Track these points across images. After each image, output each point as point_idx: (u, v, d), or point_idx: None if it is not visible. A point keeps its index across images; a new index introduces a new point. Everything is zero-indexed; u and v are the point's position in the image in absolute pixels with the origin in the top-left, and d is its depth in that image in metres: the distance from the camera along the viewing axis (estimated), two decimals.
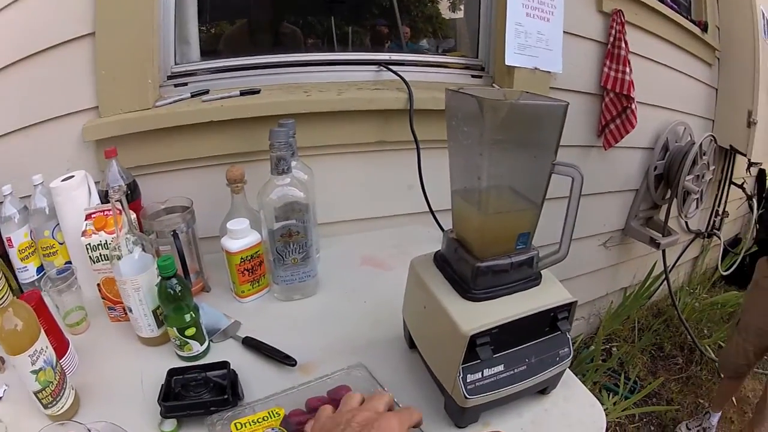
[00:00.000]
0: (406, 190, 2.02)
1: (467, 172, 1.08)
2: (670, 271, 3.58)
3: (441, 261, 1.18)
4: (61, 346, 1.31)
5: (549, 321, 1.10)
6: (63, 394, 1.17)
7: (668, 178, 3.25)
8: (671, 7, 2.95)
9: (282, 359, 1.31)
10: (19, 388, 1.23)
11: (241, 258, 1.53)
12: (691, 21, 3.23)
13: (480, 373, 1.04)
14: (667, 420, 3.23)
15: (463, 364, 1.02)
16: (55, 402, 1.15)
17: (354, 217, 2.10)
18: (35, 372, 1.09)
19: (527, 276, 1.11)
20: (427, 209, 1.96)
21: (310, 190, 1.55)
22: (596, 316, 3.68)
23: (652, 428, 3.19)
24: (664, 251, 3.40)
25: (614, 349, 3.60)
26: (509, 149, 1.00)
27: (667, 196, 3.34)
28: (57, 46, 1.68)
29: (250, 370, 1.29)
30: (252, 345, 1.38)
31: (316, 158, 1.83)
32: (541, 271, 1.14)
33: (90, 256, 1.45)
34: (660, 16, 2.82)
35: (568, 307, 1.11)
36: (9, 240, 1.63)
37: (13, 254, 1.64)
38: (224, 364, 1.24)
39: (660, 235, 3.24)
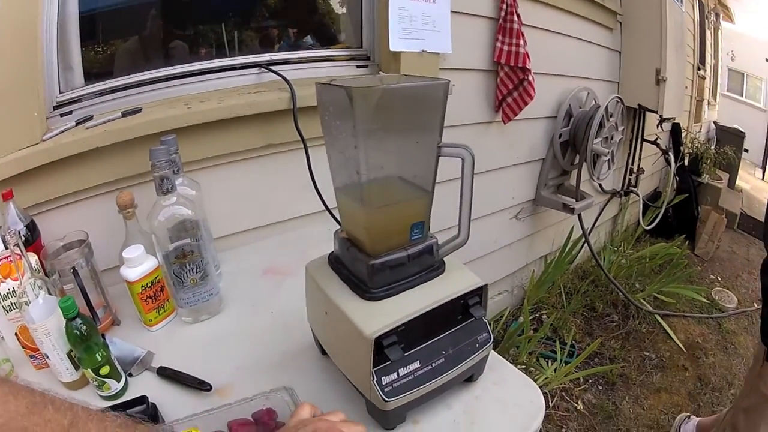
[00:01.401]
0: (301, 191, 1.99)
1: (346, 167, 1.04)
2: (589, 233, 3.65)
3: (335, 262, 1.16)
4: None
5: (461, 309, 1.09)
6: None
7: (575, 144, 3.31)
8: None
9: (197, 385, 1.28)
10: None
11: (142, 286, 1.48)
12: None
13: (395, 374, 1.02)
14: (614, 377, 3.28)
15: (374, 367, 0.99)
16: None
17: (251, 226, 2.06)
18: None
19: (428, 266, 1.09)
20: (324, 208, 1.95)
21: (199, 206, 1.52)
22: (519, 287, 3.74)
23: (600, 387, 3.23)
24: (580, 215, 3.46)
25: (544, 317, 3.65)
26: (387, 137, 0.97)
27: (576, 161, 3.39)
28: None
29: (168, 400, 1.25)
30: (166, 374, 1.33)
31: (203, 171, 1.81)
32: (445, 258, 1.12)
33: (3, 306, 1.40)
34: None
35: (479, 292, 1.09)
36: None
37: None
38: (142, 399, 1.21)
39: (573, 200, 3.30)
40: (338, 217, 1.87)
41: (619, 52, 3.86)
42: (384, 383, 1.00)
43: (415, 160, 1.03)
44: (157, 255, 1.48)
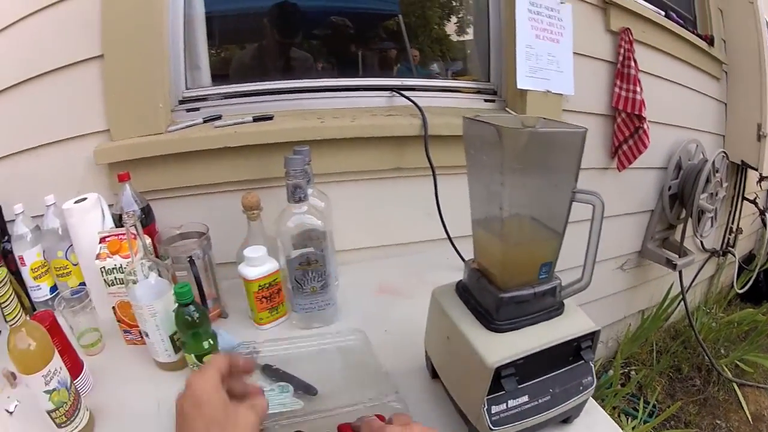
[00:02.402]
0: (423, 217, 2.00)
1: (488, 201, 1.06)
2: (686, 291, 3.55)
3: (463, 291, 1.16)
4: (75, 366, 1.31)
5: (573, 350, 1.08)
6: (77, 414, 1.17)
7: (683, 198, 3.22)
8: (677, 23, 2.94)
9: (302, 388, 1.28)
10: (30, 404, 1.24)
11: (259, 285, 1.52)
12: (698, 35, 3.23)
13: (504, 404, 1.02)
14: None
15: (488, 395, 1.00)
16: (69, 422, 1.16)
17: (371, 245, 2.09)
18: (48, 392, 1.10)
19: (550, 306, 1.09)
20: (445, 236, 1.94)
21: (327, 217, 1.54)
22: (614, 339, 3.65)
23: None
24: (680, 272, 3.36)
25: (633, 372, 3.56)
26: (530, 177, 0.98)
27: (682, 215, 3.31)
28: (65, 68, 1.70)
29: (270, 399, 1.25)
30: (271, 373, 1.34)
31: (331, 185, 1.82)
32: (564, 301, 1.12)
33: (105, 280, 1.45)
34: (667, 32, 2.81)
35: (591, 336, 1.09)
36: (21, 258, 1.64)
37: (26, 273, 1.66)
38: None
39: (676, 256, 3.22)
40: (458, 248, 1.89)
41: (725, 104, 3.73)
42: (493, 412, 1.01)
43: (551, 202, 1.04)
44: (280, 259, 1.51)
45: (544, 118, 1.08)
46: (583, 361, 1.10)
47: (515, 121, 1.10)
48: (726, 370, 3.65)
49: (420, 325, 1.30)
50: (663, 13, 2.87)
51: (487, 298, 1.07)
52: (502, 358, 0.98)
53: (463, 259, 1.87)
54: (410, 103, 2.01)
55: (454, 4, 2.57)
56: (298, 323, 1.60)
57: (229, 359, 0.89)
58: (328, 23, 2.35)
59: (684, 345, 3.87)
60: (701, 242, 3.71)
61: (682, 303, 3.54)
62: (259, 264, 1.51)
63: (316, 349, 1.47)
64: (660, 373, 3.61)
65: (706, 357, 3.58)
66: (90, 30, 1.67)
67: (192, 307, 1.27)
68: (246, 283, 1.52)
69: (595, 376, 1.13)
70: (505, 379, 0.99)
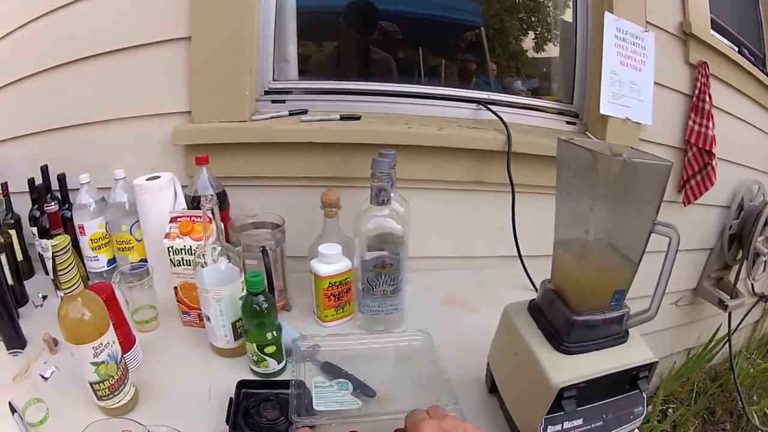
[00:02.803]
0: (495, 233, 2.02)
1: (574, 224, 1.09)
2: (732, 333, 3.51)
3: (535, 310, 1.19)
4: (127, 341, 1.34)
5: (630, 379, 1.11)
6: (122, 389, 1.19)
7: (741, 239, 3.19)
8: (749, 60, 2.90)
9: (361, 388, 1.29)
10: (67, 372, 1.26)
11: (330, 283, 1.54)
12: (766, 74, 3.18)
13: (560, 425, 1.05)
14: None
15: (546, 414, 1.03)
16: (112, 395, 1.17)
17: (441, 255, 2.10)
18: (96, 364, 1.11)
19: (616, 333, 1.11)
20: (515, 254, 1.94)
21: (406, 223, 1.56)
22: (658, 375, 3.60)
23: None
24: (730, 313, 3.31)
25: (670, 410, 3.53)
26: (617, 205, 1.01)
27: (739, 256, 3.27)
28: (153, 45, 1.75)
29: (324, 395, 1.26)
30: (330, 371, 1.34)
31: (411, 191, 1.83)
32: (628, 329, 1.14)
33: (171, 259, 1.49)
34: (740, 69, 2.77)
35: (650, 367, 1.11)
36: (81, 228, 1.68)
37: (85, 243, 1.70)
38: (300, 384, 1.24)
39: (728, 297, 3.17)
40: (527, 267, 1.90)
41: None
42: (549, 431, 1.04)
43: (632, 232, 1.05)
44: (354, 259, 1.53)
45: (632, 148, 1.10)
46: (638, 390, 1.12)
47: (605, 148, 1.12)
48: (755, 416, 3.60)
49: (482, 338, 1.32)
50: (736, 49, 2.85)
51: (559, 319, 1.09)
52: (567, 379, 1.01)
53: (530, 279, 1.90)
54: (495, 117, 2.02)
55: (533, 19, 2.58)
56: (363, 324, 1.62)
57: None
58: (412, 28, 2.37)
59: (721, 388, 3.82)
60: (752, 285, 3.66)
61: (726, 345, 3.50)
62: (333, 262, 1.53)
63: (377, 349, 1.47)
64: (695, 413, 3.57)
65: (740, 402, 3.54)
66: (180, 10, 1.71)
67: (261, 297, 1.30)
68: (317, 279, 1.54)
69: (645, 407, 1.15)
70: (566, 400, 1.02)
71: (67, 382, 1.26)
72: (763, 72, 3.09)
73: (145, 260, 1.69)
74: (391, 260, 1.48)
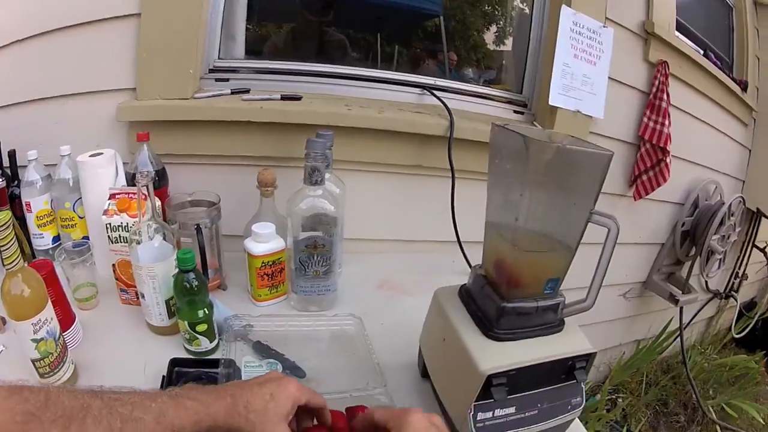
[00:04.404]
0: (435, 217, 2.00)
1: (505, 209, 1.07)
2: (684, 328, 3.54)
3: (466, 295, 1.17)
4: (66, 318, 1.32)
5: (566, 369, 1.08)
6: (62, 366, 1.18)
7: (694, 236, 3.21)
8: (714, 63, 2.93)
9: (290, 369, 1.29)
10: (17, 350, 1.22)
11: (263, 262, 1.52)
12: (732, 79, 3.21)
13: (491, 413, 1.03)
14: None
15: (476, 401, 1.00)
16: (52, 373, 1.16)
17: (379, 237, 2.09)
18: (36, 341, 1.10)
19: (550, 321, 1.09)
20: (455, 239, 1.94)
21: (341, 204, 1.55)
22: (606, 365, 3.65)
23: None
24: (681, 308, 3.36)
25: (620, 400, 3.56)
26: (550, 192, 1.00)
27: (692, 253, 3.30)
28: (102, 21, 1.70)
29: (254, 375, 1.24)
30: (261, 350, 1.35)
31: (349, 173, 1.82)
32: (564, 318, 1.12)
33: (109, 236, 1.46)
34: (703, 71, 2.80)
35: (587, 358, 1.09)
36: (28, 205, 1.65)
37: (31, 220, 1.67)
38: (230, 363, 1.23)
39: (680, 292, 3.20)
40: (466, 253, 1.90)
41: (750, 150, 3.72)
42: (479, 419, 1.01)
43: (568, 220, 1.04)
44: (287, 239, 1.51)
45: (572, 137, 1.08)
46: (574, 381, 1.10)
47: (543, 135, 1.10)
48: (711, 411, 3.64)
49: (416, 323, 1.30)
50: (702, 51, 2.86)
51: (489, 305, 1.07)
52: (495, 366, 0.98)
53: (469, 264, 1.88)
54: (440, 103, 2.00)
55: (496, 12, 2.57)
56: (296, 305, 1.60)
57: (310, 396, 0.92)
58: (369, 12, 2.35)
59: (674, 380, 3.87)
60: (706, 282, 3.70)
61: (678, 339, 3.54)
62: (266, 241, 1.51)
63: (309, 331, 1.48)
64: (647, 404, 3.61)
65: (694, 395, 3.58)
66: None
67: (192, 275, 1.28)
68: (250, 258, 1.52)
69: (584, 398, 1.14)
70: (495, 387, 0.99)
71: (17, 360, 1.23)
72: (728, 76, 3.13)
73: (87, 238, 1.66)
74: (324, 241, 1.47)
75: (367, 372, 1.30)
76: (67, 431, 0.69)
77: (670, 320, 3.63)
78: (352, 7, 2.31)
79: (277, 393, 0.85)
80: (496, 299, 1.05)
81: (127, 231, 1.44)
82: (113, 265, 1.50)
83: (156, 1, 1.69)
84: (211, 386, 0.85)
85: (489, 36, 2.54)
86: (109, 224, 1.44)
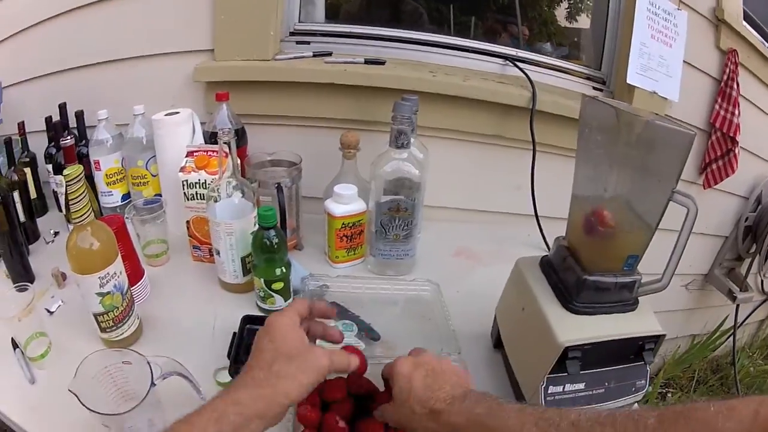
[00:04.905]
0: (513, 190, 1.99)
1: (593, 181, 1.07)
2: (740, 325, 3.49)
3: (547, 266, 1.17)
4: (135, 273, 1.34)
5: (636, 349, 1.09)
6: (127, 321, 1.19)
7: (756, 232, 3.16)
8: None
9: (366, 330, 1.31)
10: (72, 307, 1.27)
11: (343, 223, 1.54)
12: None
13: (562, 387, 1.04)
14: None
15: (549, 374, 1.02)
16: (115, 327, 1.18)
17: (457, 206, 2.09)
18: (102, 294, 1.11)
19: (626, 299, 1.10)
20: (532, 213, 1.93)
21: (425, 169, 1.56)
22: (661, 357, 3.61)
23: None
24: (737, 306, 3.29)
25: (669, 395, 3.54)
26: (636, 166, 1.00)
27: (752, 250, 3.24)
28: None
29: None
30: (337, 311, 1.32)
31: (431, 140, 1.83)
32: (639, 298, 1.12)
33: (185, 193, 1.49)
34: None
35: (656, 339, 1.09)
36: (97, 163, 1.68)
37: (99, 178, 1.70)
38: None
39: (738, 289, 3.16)
40: (543, 227, 1.90)
41: None
42: (549, 391, 1.03)
43: (651, 196, 1.03)
44: (369, 202, 1.52)
45: (656, 114, 1.08)
46: (642, 362, 1.10)
47: (630, 109, 1.10)
48: None
49: (491, 293, 1.31)
50: (766, 44, 2.80)
51: (570, 277, 1.08)
52: (574, 338, 0.99)
53: (545, 239, 1.89)
54: (522, 74, 1.98)
55: None
56: (373, 268, 1.62)
57: (309, 303, 0.95)
58: None
59: (721, 381, 3.81)
60: (762, 282, 3.63)
61: (730, 338, 3.49)
62: (347, 202, 1.52)
63: (386, 294, 1.48)
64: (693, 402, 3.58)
65: None
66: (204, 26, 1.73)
67: (273, 232, 1.29)
68: (330, 218, 1.54)
69: (648, 381, 1.14)
70: (570, 360, 1.00)
71: (74, 316, 1.27)
72: None
73: (160, 195, 1.68)
74: (407, 204, 1.48)
75: (441, 338, 1.32)
76: None
77: (726, 318, 3.57)
78: None
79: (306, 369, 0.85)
80: (578, 271, 1.05)
81: (205, 188, 1.47)
82: (187, 222, 1.53)
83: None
84: (250, 377, 0.83)
85: (560, 12, 2.51)
86: (186, 181, 1.48)
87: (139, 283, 1.36)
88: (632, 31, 2.03)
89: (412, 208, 1.49)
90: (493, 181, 2.09)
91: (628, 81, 2.04)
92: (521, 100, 1.89)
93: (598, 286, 1.05)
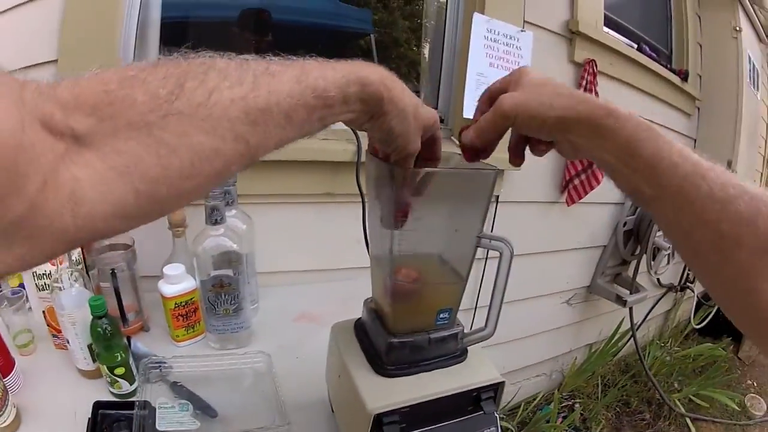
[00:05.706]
0: (354, 244, 1.92)
1: (381, 237, 1.02)
2: (639, 326, 3.55)
3: (359, 329, 1.14)
4: (7, 364, 1.32)
5: (472, 400, 1.05)
6: (5, 411, 1.17)
7: (638, 234, 3.23)
8: (650, 56, 2.95)
9: (202, 409, 1.29)
10: None
11: (176, 303, 1.51)
12: (671, 70, 3.24)
13: None
14: None
15: None
16: None
17: (297, 269, 2.07)
18: None
19: (451, 352, 1.07)
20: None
21: (247, 240, 1.53)
22: (559, 372, 3.65)
23: None
24: (631, 308, 3.37)
25: (577, 405, 3.56)
26: (426, 217, 0.95)
27: (637, 252, 3.31)
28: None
29: (169, 417, 1.25)
30: (177, 390, 1.35)
31: (259, 206, 1.80)
32: (469, 347, 1.10)
33: (36, 284, 1.49)
34: (636, 66, 2.82)
35: (495, 387, 1.06)
36: None
37: None
38: (145, 405, 1.22)
39: (627, 292, 3.21)
40: None
41: (695, 140, 3.75)
42: None
43: (453, 247, 1.01)
44: (197, 279, 1.51)
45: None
46: (482, 412, 1.06)
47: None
48: (678, 404, 3.65)
49: None
50: (635, 46, 2.87)
51: (379, 340, 1.04)
52: (383, 405, 0.95)
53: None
54: (347, 127, 1.94)
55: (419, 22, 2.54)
56: (213, 344, 1.59)
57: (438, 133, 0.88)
58: (304, 34, 2.34)
59: (634, 379, 3.88)
60: (657, 279, 3.71)
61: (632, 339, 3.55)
62: (177, 282, 1.50)
63: (223, 370, 1.47)
64: (606, 406, 3.61)
65: (657, 391, 3.58)
66: (50, 36, 1.65)
67: (105, 320, 1.28)
68: (163, 299, 1.52)
69: (499, 427, 1.10)
70: (388, 426, 0.96)
71: None
72: (666, 67, 3.14)
73: (23, 285, 1.62)
74: (230, 279, 1.46)
75: (271, 410, 1.30)
76: (181, 89, 0.55)
77: (622, 320, 3.64)
78: (286, 28, 2.29)
79: (424, 105, 0.81)
80: (384, 334, 1.02)
81: (50, 279, 1.47)
82: (43, 311, 1.50)
83: (71, 47, 1.67)
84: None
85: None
86: (35, 272, 1.48)
87: (12, 373, 1.34)
88: (467, 63, 2.04)
89: (236, 282, 1.47)
90: (332, 238, 2.08)
91: (464, 115, 2.06)
92: (347, 155, 1.89)
93: (408, 346, 1.02)
